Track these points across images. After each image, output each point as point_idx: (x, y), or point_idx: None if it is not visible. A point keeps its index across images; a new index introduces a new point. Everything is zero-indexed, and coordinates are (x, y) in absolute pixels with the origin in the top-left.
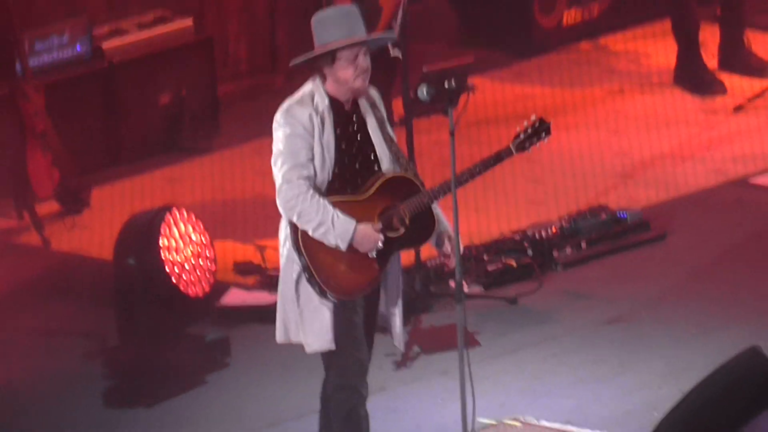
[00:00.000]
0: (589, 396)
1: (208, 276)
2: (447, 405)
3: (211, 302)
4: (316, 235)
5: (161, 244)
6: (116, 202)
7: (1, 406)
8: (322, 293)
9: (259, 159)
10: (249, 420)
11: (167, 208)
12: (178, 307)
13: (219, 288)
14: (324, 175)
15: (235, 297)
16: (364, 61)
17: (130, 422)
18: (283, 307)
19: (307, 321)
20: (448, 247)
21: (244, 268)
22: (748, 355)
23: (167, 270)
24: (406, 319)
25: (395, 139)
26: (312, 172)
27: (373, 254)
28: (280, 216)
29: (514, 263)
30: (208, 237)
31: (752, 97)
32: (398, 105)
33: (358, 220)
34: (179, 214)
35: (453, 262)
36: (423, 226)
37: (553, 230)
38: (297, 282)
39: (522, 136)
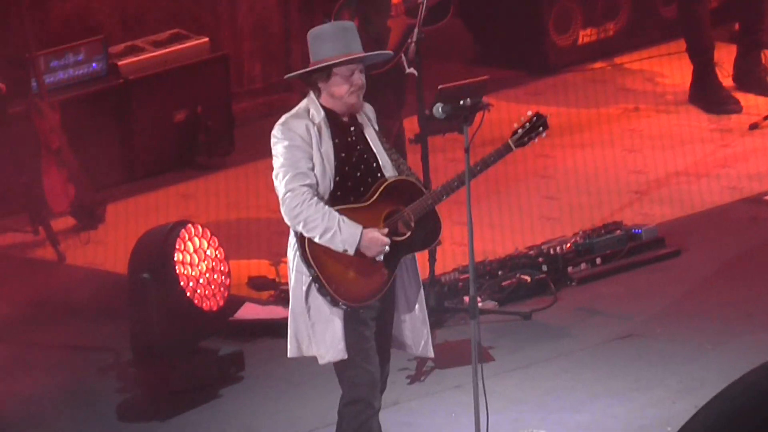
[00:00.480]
0: (603, 411)
1: (222, 290)
2: (460, 420)
3: (226, 317)
4: (323, 241)
5: (176, 259)
6: (131, 218)
7: (16, 420)
8: (334, 302)
9: None
10: None
11: (182, 224)
12: (193, 322)
13: (233, 302)
14: (326, 185)
15: (249, 311)
16: (359, 78)
17: None
18: (295, 322)
19: (318, 333)
20: None
21: (258, 283)
22: (765, 370)
23: (182, 284)
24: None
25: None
26: (314, 180)
27: (381, 259)
28: None
29: (528, 279)
30: (222, 252)
31: (767, 116)
32: (413, 123)
33: (364, 226)
34: (194, 229)
35: None
36: (429, 230)
37: (568, 246)
38: (307, 295)
39: (520, 131)
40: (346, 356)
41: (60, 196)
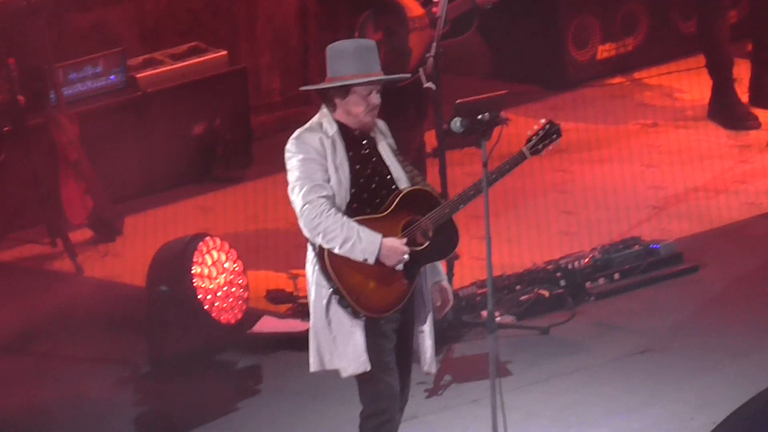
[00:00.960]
0: (621, 426)
1: (240, 303)
2: None
3: (243, 330)
4: (343, 251)
5: (194, 272)
6: (149, 230)
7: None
8: (356, 314)
9: None
10: None
11: (200, 236)
12: (210, 334)
13: (251, 315)
14: (342, 197)
15: (267, 325)
16: (375, 98)
17: None
18: (316, 336)
19: (340, 345)
20: (438, 299)
21: (276, 296)
22: None
23: (200, 297)
24: (438, 349)
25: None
26: (331, 192)
27: (400, 268)
28: None
29: (546, 294)
30: (241, 265)
31: None
32: (431, 137)
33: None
34: (212, 242)
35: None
36: (446, 239)
37: (586, 261)
38: (327, 308)
39: (534, 139)
40: (369, 368)
41: (78, 209)
